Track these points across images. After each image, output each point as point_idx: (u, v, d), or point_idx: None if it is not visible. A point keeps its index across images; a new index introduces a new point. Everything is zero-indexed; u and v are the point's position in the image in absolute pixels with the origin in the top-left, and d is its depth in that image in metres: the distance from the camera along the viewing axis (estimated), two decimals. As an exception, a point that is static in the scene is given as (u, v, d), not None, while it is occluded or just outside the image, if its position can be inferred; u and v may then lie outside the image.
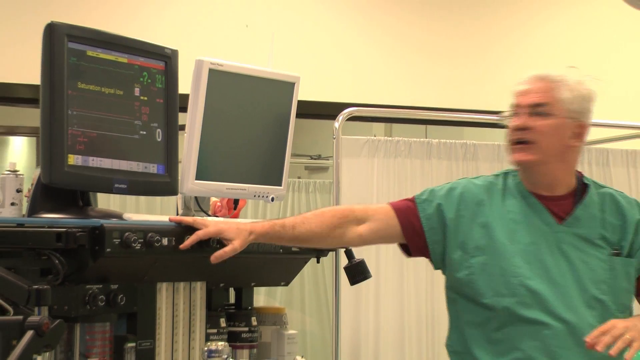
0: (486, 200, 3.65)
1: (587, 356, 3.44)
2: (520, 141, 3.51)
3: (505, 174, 3.72)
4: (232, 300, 3.59)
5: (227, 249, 3.16)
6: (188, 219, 3.25)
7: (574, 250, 3.55)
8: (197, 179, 3.47)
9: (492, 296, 3.57)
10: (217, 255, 3.15)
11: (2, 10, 5.40)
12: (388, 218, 3.59)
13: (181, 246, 3.14)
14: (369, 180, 5.08)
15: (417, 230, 3.59)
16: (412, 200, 3.64)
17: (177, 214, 3.66)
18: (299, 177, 7.29)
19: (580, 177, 3.69)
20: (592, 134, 5.95)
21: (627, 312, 3.55)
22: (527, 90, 3.55)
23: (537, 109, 3.48)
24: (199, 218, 3.29)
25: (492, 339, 3.61)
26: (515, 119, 3.54)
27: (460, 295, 3.65)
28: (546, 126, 3.47)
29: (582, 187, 3.66)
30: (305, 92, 3.85)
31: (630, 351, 3.18)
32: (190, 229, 3.18)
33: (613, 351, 3.16)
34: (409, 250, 3.65)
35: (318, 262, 3.76)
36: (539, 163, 3.52)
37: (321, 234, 3.46)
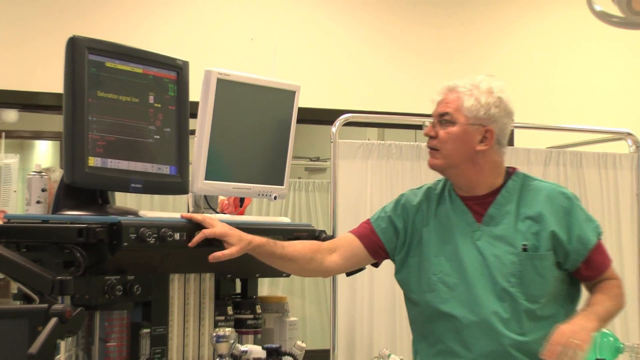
0: (424, 206, 3.72)
1: (498, 345, 3.51)
2: (431, 147, 3.58)
3: (447, 179, 3.76)
4: (238, 290, 3.61)
5: (225, 252, 3.20)
6: (198, 217, 3.27)
7: (488, 247, 3.59)
8: (206, 179, 3.49)
9: (418, 292, 3.67)
10: (215, 256, 3.19)
11: (28, 24, 5.41)
12: (354, 246, 3.67)
13: (190, 244, 3.17)
14: (364, 180, 5.09)
15: (379, 245, 3.69)
16: (368, 222, 3.74)
17: (188, 211, 3.68)
18: (299, 178, 7.29)
19: (510, 174, 3.71)
20: (567, 138, 6.01)
21: (538, 302, 3.55)
22: (439, 100, 3.60)
23: (443, 118, 3.54)
24: (208, 217, 3.30)
25: (424, 333, 3.70)
26: (429, 126, 3.60)
27: (404, 296, 3.76)
28: (448, 134, 3.52)
29: (503, 186, 3.68)
30: (305, 100, 3.86)
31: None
32: (200, 226, 3.21)
33: None
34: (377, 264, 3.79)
35: (317, 254, 3.79)
36: (446, 167, 3.59)
37: (305, 255, 3.52)
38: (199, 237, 3.19)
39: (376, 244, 3.68)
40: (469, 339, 3.55)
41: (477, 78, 3.60)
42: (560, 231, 3.57)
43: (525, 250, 3.54)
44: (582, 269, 3.62)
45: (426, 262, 3.64)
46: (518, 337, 3.50)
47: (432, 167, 3.62)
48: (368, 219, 3.75)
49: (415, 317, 3.72)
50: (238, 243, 3.25)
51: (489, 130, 3.52)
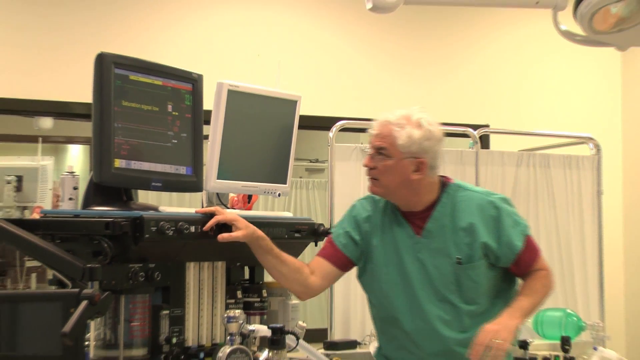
0: (372, 215, 3.73)
1: (443, 345, 3.55)
2: (369, 176, 3.59)
3: None
4: (246, 276, 3.61)
5: (232, 234, 3.23)
6: (211, 208, 3.28)
7: (428, 258, 3.59)
8: (218, 178, 3.48)
9: (374, 296, 3.72)
10: (224, 237, 3.21)
11: (62, 43, 5.40)
12: (326, 267, 3.67)
13: (204, 227, 3.18)
14: (357, 180, 5.08)
15: (346, 259, 3.69)
16: (331, 241, 3.71)
17: (202, 207, 3.69)
18: (300, 177, 7.28)
19: (445, 185, 3.71)
20: (536, 141, 6.01)
21: (476, 303, 3.58)
22: (375, 133, 3.58)
23: (379, 152, 3.53)
24: (219, 208, 3.32)
25: (382, 330, 3.74)
26: (367, 158, 3.60)
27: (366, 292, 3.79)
28: (385, 167, 3.52)
29: (438, 201, 3.68)
30: (305, 108, 3.86)
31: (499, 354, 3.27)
32: (213, 217, 3.21)
33: None
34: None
35: (316, 245, 3.77)
36: (385, 194, 3.62)
37: (295, 264, 3.53)
38: (212, 221, 3.21)
39: (342, 260, 3.69)
40: (417, 341, 3.59)
41: (409, 112, 3.58)
42: (490, 240, 3.57)
43: (459, 263, 3.54)
44: (512, 268, 3.65)
45: (377, 271, 3.67)
46: (460, 335, 3.53)
47: (373, 193, 3.64)
48: (330, 238, 3.73)
49: (374, 316, 3.78)
50: (245, 228, 3.27)
51: (422, 161, 3.52)
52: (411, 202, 3.62)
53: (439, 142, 3.58)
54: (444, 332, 3.54)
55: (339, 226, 3.76)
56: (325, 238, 3.76)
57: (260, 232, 3.36)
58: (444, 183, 3.68)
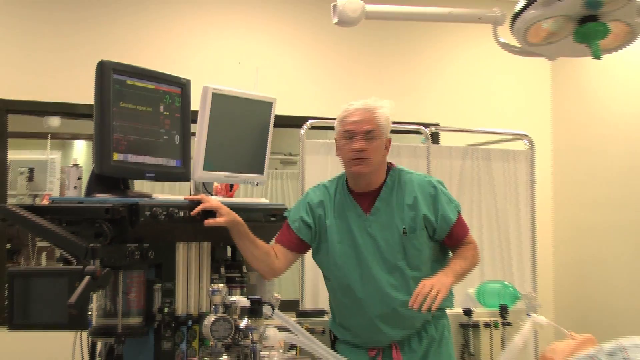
0: (324, 200, 3.77)
1: (389, 307, 3.61)
2: (358, 158, 3.57)
3: (339, 178, 3.83)
4: (229, 254, 3.60)
5: (217, 220, 3.24)
6: (198, 196, 3.29)
7: (377, 232, 3.66)
8: (204, 169, 3.48)
9: (328, 271, 3.76)
10: (209, 222, 3.23)
11: (67, 51, 5.39)
12: (285, 252, 3.71)
13: (192, 213, 3.19)
14: (325, 172, 5.08)
15: (301, 242, 3.73)
16: (288, 227, 3.73)
17: (190, 194, 3.68)
18: (275, 169, 7.27)
19: (389, 169, 3.79)
20: (479, 138, 6.02)
21: (419, 269, 3.65)
22: (358, 120, 3.59)
23: (369, 134, 3.56)
24: (205, 196, 3.32)
25: (335, 300, 3.77)
26: (355, 142, 3.58)
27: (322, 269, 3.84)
28: (375, 147, 3.58)
29: (385, 182, 3.75)
30: (280, 109, 3.86)
31: (435, 303, 3.29)
32: (199, 204, 3.21)
33: (423, 309, 3.28)
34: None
35: (289, 227, 3.78)
36: (371, 172, 3.64)
37: (266, 248, 3.58)
38: (199, 208, 3.22)
39: (297, 243, 3.72)
40: (367, 305, 3.63)
41: (378, 100, 3.70)
42: (429, 214, 3.66)
43: (405, 233, 3.63)
44: (446, 240, 3.74)
45: (332, 248, 3.69)
46: (405, 297, 3.51)
47: (362, 173, 3.64)
48: (287, 223, 3.74)
49: (330, 288, 3.81)
50: (227, 215, 3.28)
51: (389, 140, 3.67)
52: (373, 180, 3.68)
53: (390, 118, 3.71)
54: (393, 295, 3.61)
55: (293, 213, 3.76)
56: (283, 224, 3.76)
57: (239, 219, 3.37)
58: (389, 167, 3.77)
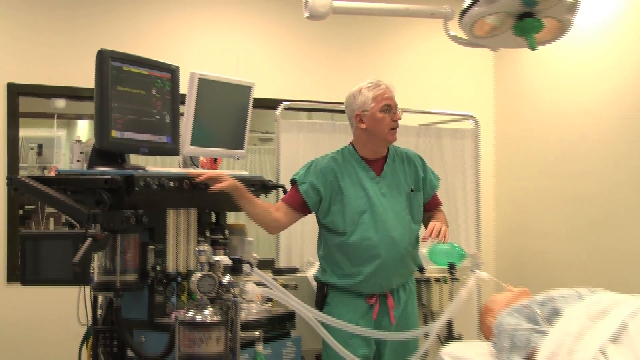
0: (335, 167, 3.78)
1: (399, 253, 3.74)
2: (396, 127, 3.76)
3: (343, 149, 3.92)
4: (213, 219, 3.59)
5: (222, 184, 3.31)
6: (197, 171, 3.34)
7: (388, 192, 3.79)
8: (191, 145, 3.48)
9: (345, 226, 3.74)
10: (215, 187, 3.30)
11: (72, 40, 5.36)
12: (288, 210, 3.77)
13: (198, 179, 3.30)
14: (297, 147, 5.07)
15: (304, 203, 3.76)
16: (295, 187, 3.78)
17: (179, 167, 3.68)
18: (254, 145, 7.25)
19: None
20: (431, 118, 6.02)
21: (418, 224, 3.90)
22: (392, 96, 3.79)
23: (396, 108, 3.78)
24: (211, 171, 3.38)
25: (347, 252, 3.74)
26: (396, 114, 3.77)
27: (326, 230, 3.83)
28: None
29: (387, 152, 3.89)
30: (258, 92, 3.85)
31: (446, 237, 3.67)
32: (184, 178, 3.21)
33: (439, 238, 3.63)
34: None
35: (266, 195, 3.78)
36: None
37: (265, 206, 3.68)
38: (203, 176, 3.30)
39: (303, 205, 3.76)
40: (381, 251, 3.69)
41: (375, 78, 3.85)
42: (425, 177, 3.92)
43: (412, 191, 3.83)
44: (426, 205, 3.96)
45: (348, 205, 3.72)
46: (408, 247, 3.77)
47: (395, 139, 3.83)
48: (296, 186, 3.78)
49: (340, 243, 3.76)
50: (229, 180, 3.34)
51: None
52: (386, 149, 3.88)
53: None
54: (401, 243, 3.74)
55: (302, 177, 3.79)
56: (291, 187, 3.83)
57: (239, 183, 3.43)
58: None
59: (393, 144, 3.85)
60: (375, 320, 3.75)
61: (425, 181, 3.92)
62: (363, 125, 3.73)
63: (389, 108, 3.73)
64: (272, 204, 3.81)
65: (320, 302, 3.82)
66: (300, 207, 3.76)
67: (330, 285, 3.81)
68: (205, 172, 3.34)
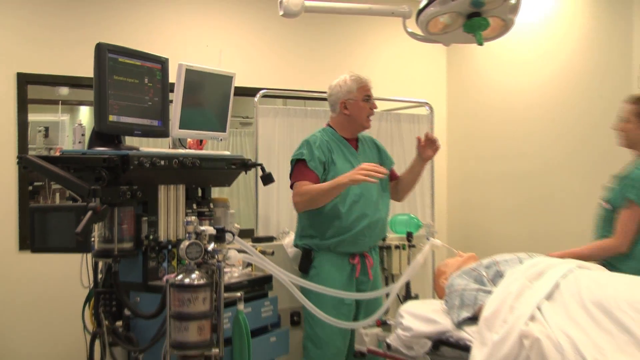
0: (328, 143, 3.89)
1: (379, 216, 3.91)
2: (372, 115, 3.95)
3: (324, 130, 4.03)
4: (199, 194, 3.58)
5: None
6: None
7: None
8: (179, 128, 3.45)
9: (340, 194, 3.78)
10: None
11: (74, 35, 5.32)
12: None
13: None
14: (274, 130, 5.06)
15: (317, 178, 3.82)
16: (305, 166, 3.81)
17: (169, 147, 3.66)
18: (236, 128, 7.21)
19: None
20: (391, 105, 6.02)
21: (387, 192, 4.06)
22: (371, 87, 3.97)
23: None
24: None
25: (338, 216, 3.80)
26: (373, 104, 3.96)
27: None
28: None
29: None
30: (238, 81, 3.83)
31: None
32: (176, 157, 3.18)
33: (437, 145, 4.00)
34: None
35: (246, 173, 3.76)
36: None
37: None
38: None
39: (316, 179, 3.81)
40: (368, 212, 3.84)
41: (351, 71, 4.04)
42: (384, 153, 4.13)
43: (383, 164, 3.99)
44: (391, 176, 4.14)
45: (340, 175, 3.74)
46: (386, 211, 3.99)
47: (370, 126, 4.00)
48: (308, 167, 3.80)
49: (333, 206, 3.82)
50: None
51: None
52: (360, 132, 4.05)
53: None
54: (382, 207, 3.94)
55: (308, 155, 3.83)
56: (300, 165, 3.87)
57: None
58: None
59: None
60: (357, 278, 3.86)
61: (385, 158, 4.09)
62: (347, 112, 3.85)
63: (369, 98, 3.88)
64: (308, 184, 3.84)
65: (307, 267, 3.86)
66: (316, 182, 3.81)
67: (317, 250, 3.83)
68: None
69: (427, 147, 3.96)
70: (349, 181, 3.58)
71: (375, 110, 3.94)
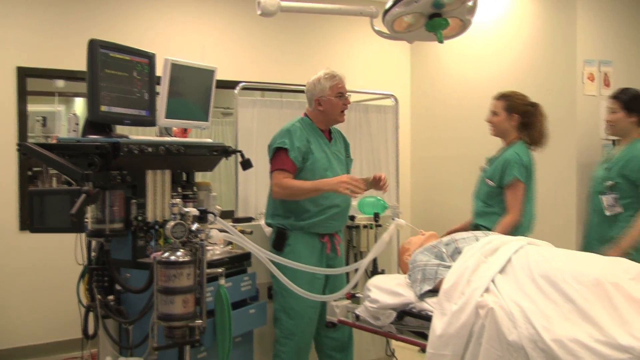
0: (304, 132, 3.87)
1: (346, 202, 3.89)
2: (345, 109, 3.90)
3: (301, 120, 3.95)
4: (184, 178, 3.55)
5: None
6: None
7: (337, 155, 3.93)
8: (166, 118, 3.43)
9: (316, 177, 3.79)
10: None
11: (69, 31, 5.28)
12: (291, 176, 3.76)
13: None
14: (252, 120, 5.04)
15: (296, 167, 3.77)
16: (286, 153, 3.73)
17: (156, 135, 3.63)
18: (217, 118, 7.16)
19: None
20: (360, 96, 6.02)
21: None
22: (345, 84, 3.88)
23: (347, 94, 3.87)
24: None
25: (314, 199, 3.76)
26: (347, 100, 3.88)
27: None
28: None
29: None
30: (220, 74, 3.81)
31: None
32: (163, 144, 3.15)
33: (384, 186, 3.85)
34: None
35: (227, 159, 3.74)
36: None
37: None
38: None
39: (296, 169, 3.78)
40: (339, 199, 3.82)
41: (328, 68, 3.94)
42: (348, 151, 4.11)
43: (347, 157, 4.05)
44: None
45: (317, 163, 3.78)
46: (349, 201, 3.96)
47: (343, 120, 3.93)
48: (288, 157, 3.74)
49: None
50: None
51: None
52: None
53: None
54: (347, 197, 3.84)
55: (290, 145, 3.77)
56: (280, 154, 3.78)
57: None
58: None
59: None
60: (328, 254, 3.87)
61: (348, 153, 4.10)
62: (321, 108, 3.83)
63: (342, 95, 3.85)
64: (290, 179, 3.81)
65: (281, 245, 3.82)
66: (295, 171, 3.78)
67: (291, 229, 3.82)
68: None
69: (375, 185, 3.95)
70: (329, 189, 3.60)
71: (348, 103, 3.91)
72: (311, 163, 3.77)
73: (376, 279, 3.36)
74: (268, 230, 4.08)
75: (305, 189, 3.69)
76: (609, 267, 2.66)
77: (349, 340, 4.07)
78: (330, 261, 3.88)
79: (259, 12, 3.69)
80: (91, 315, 3.12)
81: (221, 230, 3.06)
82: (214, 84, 3.76)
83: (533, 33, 5.55)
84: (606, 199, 4.06)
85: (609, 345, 2.29)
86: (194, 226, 2.76)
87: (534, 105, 3.98)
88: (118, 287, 3.09)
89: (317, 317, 3.88)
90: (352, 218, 4.50)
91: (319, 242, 3.84)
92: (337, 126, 4.07)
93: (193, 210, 2.80)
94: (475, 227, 3.98)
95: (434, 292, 2.98)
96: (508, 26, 5.83)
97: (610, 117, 4.17)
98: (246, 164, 3.72)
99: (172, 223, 2.70)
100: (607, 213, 4.05)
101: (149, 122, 3.39)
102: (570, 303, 2.51)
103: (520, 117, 3.95)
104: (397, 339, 3.18)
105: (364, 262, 3.48)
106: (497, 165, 3.93)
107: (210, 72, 3.73)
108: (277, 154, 3.77)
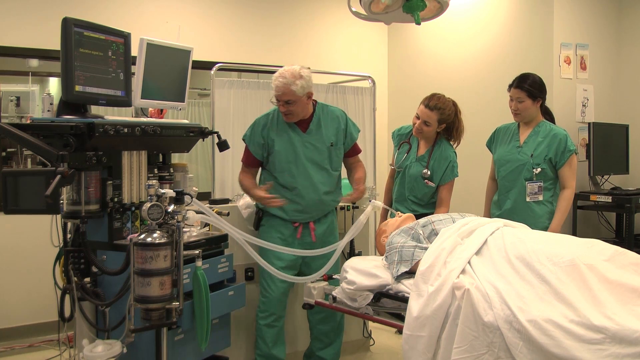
0: (268, 123, 3.87)
1: (318, 196, 3.88)
2: (287, 114, 3.81)
3: (276, 109, 3.94)
4: (160, 159, 3.53)
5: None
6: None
7: (312, 145, 3.88)
8: (141, 98, 3.42)
9: (275, 172, 3.88)
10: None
11: (44, 10, 5.21)
12: (249, 170, 3.96)
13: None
14: (229, 101, 5.02)
15: (259, 161, 3.94)
16: (248, 151, 3.93)
17: (132, 116, 3.60)
18: (194, 99, 7.13)
19: (315, 104, 3.96)
20: (337, 78, 6.01)
21: (337, 170, 3.98)
22: (280, 94, 3.75)
23: (287, 102, 3.75)
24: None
25: (279, 191, 3.76)
26: (282, 106, 3.78)
27: (265, 173, 3.97)
28: (294, 108, 3.77)
29: (313, 113, 3.94)
30: (196, 55, 3.79)
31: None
32: (139, 124, 3.13)
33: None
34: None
35: (203, 140, 3.72)
36: (296, 119, 3.85)
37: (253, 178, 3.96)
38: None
39: (258, 162, 3.93)
40: (303, 194, 3.82)
41: (294, 70, 3.77)
42: (346, 130, 3.98)
43: (331, 145, 3.90)
44: (348, 152, 4.03)
45: (279, 155, 3.82)
46: (327, 190, 3.90)
47: (291, 121, 3.86)
48: (247, 148, 3.93)
49: (283, 182, 3.87)
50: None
51: (310, 93, 3.83)
52: (302, 116, 3.86)
53: (311, 79, 3.81)
54: (321, 186, 3.85)
55: (249, 138, 3.92)
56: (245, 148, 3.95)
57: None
58: (314, 103, 3.94)
59: (323, 103, 4.01)
60: (299, 239, 3.90)
61: (346, 133, 3.99)
62: (309, 100, 3.81)
63: (278, 101, 3.86)
64: (247, 175, 3.96)
65: (257, 224, 4.01)
66: (255, 164, 3.92)
67: (264, 212, 3.88)
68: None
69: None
70: (256, 201, 3.90)
71: (312, 91, 3.86)
72: (272, 156, 3.84)
73: (353, 261, 3.38)
74: (245, 211, 4.09)
75: (247, 191, 3.90)
76: (584, 248, 2.70)
77: (340, 327, 4.20)
78: (304, 247, 3.88)
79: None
80: (68, 297, 3.10)
81: (198, 212, 3.05)
82: (190, 64, 3.74)
83: (510, 16, 5.58)
84: (531, 187, 4.11)
85: (583, 325, 2.33)
86: (171, 208, 2.75)
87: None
88: (94, 269, 3.07)
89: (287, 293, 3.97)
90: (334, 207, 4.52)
91: (290, 226, 3.88)
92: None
93: (169, 192, 2.78)
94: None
95: (411, 273, 3.00)
96: (485, 8, 5.85)
97: (518, 106, 4.19)
98: (223, 146, 3.70)
99: (148, 204, 2.69)
100: (528, 199, 4.12)
101: (125, 102, 3.35)
102: (545, 284, 2.54)
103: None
104: (374, 321, 3.20)
105: (341, 244, 3.50)
106: (439, 165, 4.20)
107: (186, 53, 3.71)
108: (245, 145, 3.95)
